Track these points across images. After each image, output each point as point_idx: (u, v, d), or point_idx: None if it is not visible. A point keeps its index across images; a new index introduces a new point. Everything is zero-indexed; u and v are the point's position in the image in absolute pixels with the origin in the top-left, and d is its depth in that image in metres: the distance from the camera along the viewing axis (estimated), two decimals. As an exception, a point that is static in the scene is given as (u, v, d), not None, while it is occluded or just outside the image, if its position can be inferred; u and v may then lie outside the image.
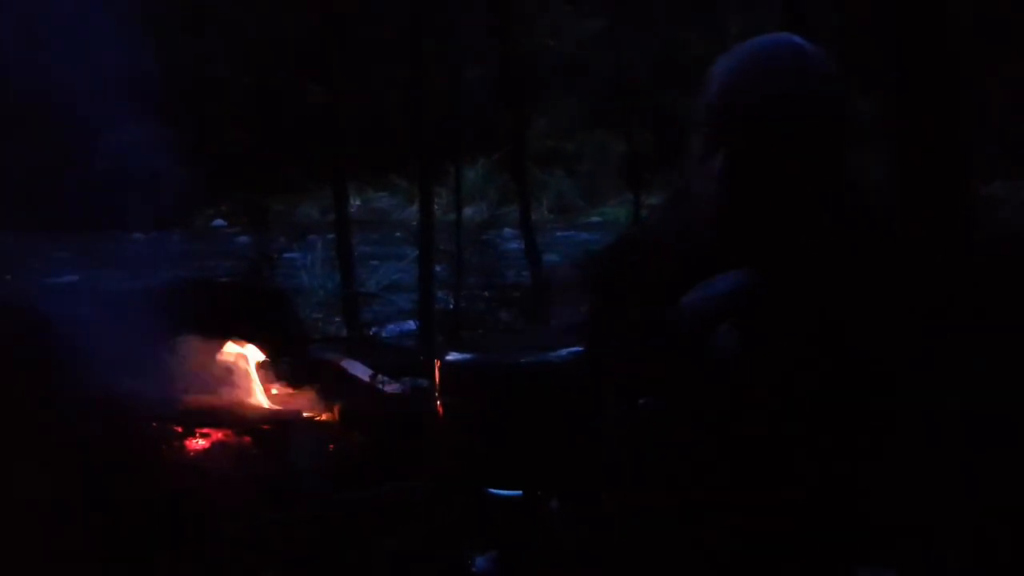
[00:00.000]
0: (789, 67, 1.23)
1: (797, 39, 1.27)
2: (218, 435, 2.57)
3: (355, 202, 8.52)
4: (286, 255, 5.61)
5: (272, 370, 3.06)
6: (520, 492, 1.84)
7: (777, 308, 1.22)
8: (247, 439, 2.58)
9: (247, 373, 2.97)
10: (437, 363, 1.58)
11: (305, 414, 2.83)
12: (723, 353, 1.22)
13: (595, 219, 10.78)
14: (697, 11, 11.86)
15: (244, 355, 3.00)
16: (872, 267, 1.26)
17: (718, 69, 1.28)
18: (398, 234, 8.88)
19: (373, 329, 5.04)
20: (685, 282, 1.27)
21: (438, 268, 5.19)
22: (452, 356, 1.79)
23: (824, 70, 1.25)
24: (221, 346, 2.98)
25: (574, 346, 1.80)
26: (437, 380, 1.78)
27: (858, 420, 1.21)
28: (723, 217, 1.26)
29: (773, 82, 1.23)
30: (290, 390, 3.00)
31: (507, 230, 7.15)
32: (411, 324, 5.10)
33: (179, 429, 2.56)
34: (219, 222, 8.90)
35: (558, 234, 9.51)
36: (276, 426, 2.69)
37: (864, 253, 1.26)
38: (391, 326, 5.32)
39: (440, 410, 1.93)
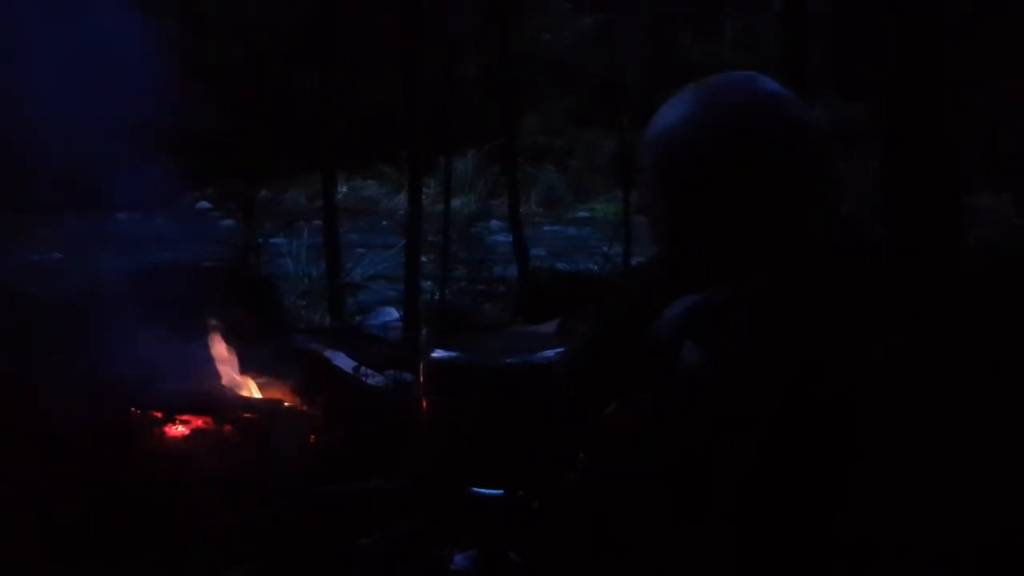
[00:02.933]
0: (716, 113, 1.20)
1: (734, 78, 1.24)
2: (198, 423, 2.55)
3: (342, 189, 8.50)
4: (272, 241, 5.59)
5: (255, 358, 3.04)
6: (502, 492, 1.84)
7: (734, 321, 1.22)
8: (228, 428, 2.57)
9: (229, 360, 2.95)
10: (422, 363, 1.58)
11: (287, 404, 2.82)
12: (687, 369, 1.22)
13: (583, 215, 10.80)
14: (693, 11, 11.88)
15: (227, 342, 2.98)
16: (849, 289, 1.25)
17: (660, 110, 1.26)
18: (385, 223, 8.86)
19: (357, 319, 5.03)
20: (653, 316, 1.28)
21: (425, 259, 5.17)
22: (437, 353, 1.78)
23: (761, 112, 1.21)
24: (204, 332, 2.95)
25: (559, 347, 1.79)
26: (422, 378, 1.78)
27: (821, 439, 1.21)
28: (669, 264, 1.26)
29: (696, 128, 1.20)
30: (272, 379, 2.98)
31: (494, 222, 7.15)
32: (395, 315, 5.09)
33: (159, 416, 2.54)
34: (204, 205, 8.84)
35: (545, 228, 9.52)
36: (257, 416, 2.67)
37: (841, 277, 1.25)
38: (376, 316, 5.30)
39: (424, 407, 1.93)
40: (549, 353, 1.74)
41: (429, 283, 5.19)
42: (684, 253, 1.27)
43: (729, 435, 1.20)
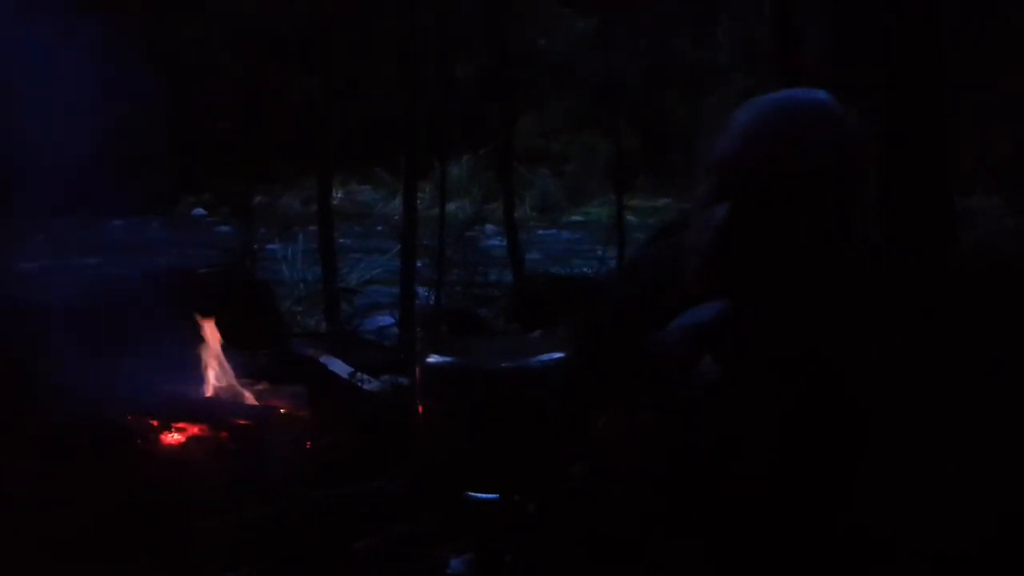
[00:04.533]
0: (801, 127, 1.23)
1: (817, 96, 1.27)
2: (194, 430, 2.54)
3: (338, 194, 8.50)
4: (267, 246, 5.58)
5: (250, 364, 3.03)
6: (497, 495, 1.83)
7: (752, 339, 1.23)
8: (224, 434, 2.56)
9: (225, 366, 2.95)
10: (417, 368, 1.58)
11: (283, 410, 2.82)
12: (702, 383, 1.23)
13: (577, 219, 10.81)
14: (688, 15, 11.91)
15: (222, 348, 2.97)
16: (860, 299, 1.27)
17: (734, 121, 1.28)
18: (380, 228, 8.86)
19: (353, 323, 5.02)
20: (666, 314, 1.28)
21: (420, 264, 5.17)
22: (432, 358, 1.78)
23: (837, 129, 1.25)
24: (199, 338, 2.95)
25: (555, 352, 1.79)
26: (417, 382, 1.78)
27: (835, 445, 1.22)
28: (711, 266, 1.27)
29: (783, 141, 1.23)
30: (268, 385, 2.97)
31: (489, 227, 7.16)
32: (391, 319, 5.09)
33: (155, 423, 2.54)
34: (200, 211, 8.84)
35: (540, 232, 9.54)
36: (253, 422, 2.66)
37: (854, 286, 1.27)
38: (371, 321, 5.30)
39: (420, 412, 1.93)
40: (545, 357, 1.73)
41: (424, 288, 5.19)
42: (732, 257, 1.27)
43: (743, 442, 1.21)
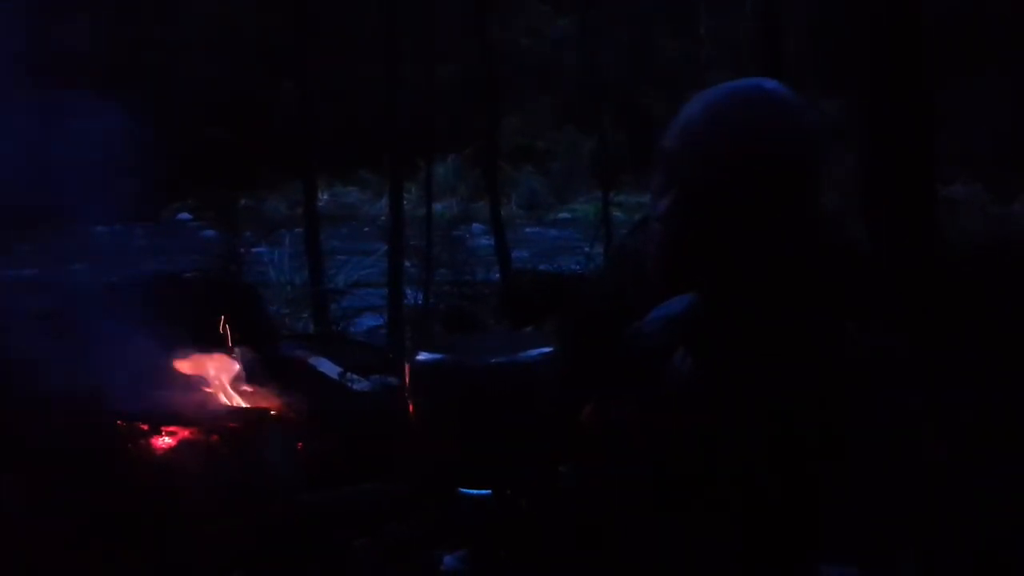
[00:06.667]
0: (742, 117, 1.21)
1: (765, 86, 1.25)
2: (185, 434, 2.54)
3: (323, 196, 8.48)
4: (254, 250, 5.58)
5: (240, 367, 3.03)
6: (490, 491, 1.84)
7: (723, 331, 1.23)
8: (215, 438, 2.56)
9: (214, 370, 2.94)
10: (407, 365, 1.59)
11: (273, 412, 2.82)
12: (678, 375, 1.23)
13: (564, 216, 10.82)
14: (669, 12, 11.95)
15: (211, 352, 2.97)
16: (835, 292, 1.27)
17: (680, 114, 1.27)
18: (367, 229, 8.85)
19: (341, 325, 5.03)
20: (641, 307, 1.28)
21: (408, 264, 5.18)
22: (422, 356, 1.79)
23: (781, 118, 1.22)
24: (188, 343, 2.95)
25: (542, 347, 1.80)
26: (407, 380, 1.79)
27: (815, 432, 1.23)
28: (666, 255, 1.27)
29: (724, 132, 1.21)
30: (258, 388, 2.97)
31: (476, 225, 7.16)
32: (380, 320, 5.09)
33: (145, 428, 2.54)
34: (184, 216, 8.80)
35: (527, 230, 9.54)
36: (244, 424, 2.66)
37: (828, 279, 1.27)
38: (360, 322, 5.30)
39: (410, 410, 1.94)
40: (534, 352, 1.74)
41: (413, 288, 5.19)
42: (684, 245, 1.27)
43: (723, 437, 1.22)
